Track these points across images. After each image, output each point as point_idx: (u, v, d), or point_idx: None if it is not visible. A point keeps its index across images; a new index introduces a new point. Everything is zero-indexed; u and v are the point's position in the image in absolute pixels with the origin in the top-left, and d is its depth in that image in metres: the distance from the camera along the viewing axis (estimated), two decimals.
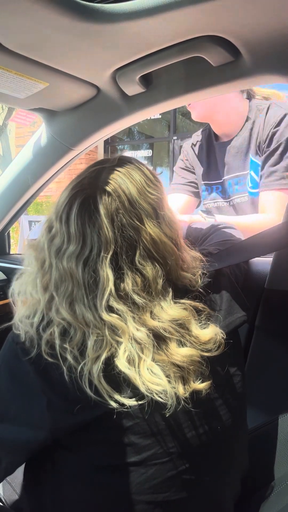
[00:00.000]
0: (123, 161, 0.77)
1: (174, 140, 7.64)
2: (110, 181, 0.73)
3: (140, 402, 0.66)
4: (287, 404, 1.16)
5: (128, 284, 0.70)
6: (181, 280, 0.76)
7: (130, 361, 0.66)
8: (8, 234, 1.94)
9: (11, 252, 2.03)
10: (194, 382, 0.70)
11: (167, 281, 0.73)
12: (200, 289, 0.78)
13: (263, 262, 1.29)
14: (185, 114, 7.96)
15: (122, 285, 0.70)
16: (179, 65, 1.00)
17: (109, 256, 0.70)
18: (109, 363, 0.67)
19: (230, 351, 0.76)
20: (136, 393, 0.66)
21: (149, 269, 0.71)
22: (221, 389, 0.76)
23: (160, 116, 7.88)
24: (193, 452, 0.72)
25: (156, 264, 0.72)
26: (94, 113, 1.21)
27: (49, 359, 0.67)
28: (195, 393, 0.70)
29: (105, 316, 0.68)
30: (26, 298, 0.77)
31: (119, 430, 0.68)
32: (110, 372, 0.66)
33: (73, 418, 0.67)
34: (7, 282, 1.77)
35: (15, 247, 6.01)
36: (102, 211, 0.71)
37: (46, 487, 0.76)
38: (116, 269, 0.70)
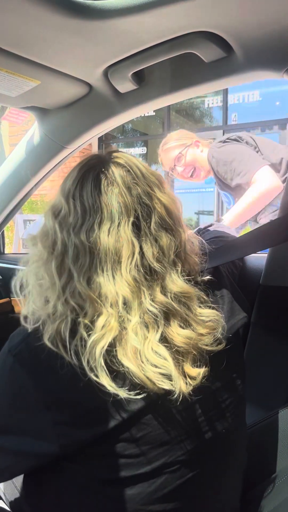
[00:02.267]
0: (118, 151, 0.79)
1: None
2: (119, 156, 0.75)
3: (140, 396, 0.64)
4: (284, 399, 1.17)
5: (148, 251, 0.70)
6: (188, 260, 0.77)
7: (137, 341, 0.65)
8: (3, 233, 1.93)
9: (6, 252, 2.03)
10: (192, 368, 0.68)
11: (177, 255, 0.74)
12: (203, 285, 0.78)
13: (258, 258, 1.29)
14: (179, 111, 7.95)
15: (143, 252, 0.70)
16: (171, 62, 0.99)
17: (130, 222, 0.70)
18: (109, 356, 0.65)
19: (232, 353, 0.76)
20: (137, 386, 0.65)
21: (164, 238, 0.72)
22: (226, 391, 0.76)
23: (154, 113, 7.85)
24: (200, 458, 0.72)
25: (169, 235, 0.73)
26: (87, 111, 1.21)
27: (54, 348, 0.65)
28: (202, 395, 0.69)
29: (123, 288, 0.67)
30: (35, 289, 0.74)
31: (129, 442, 0.67)
32: (112, 362, 0.65)
33: (82, 433, 0.66)
34: (2, 282, 1.76)
35: (10, 247, 5.99)
36: (119, 180, 0.72)
37: (49, 496, 0.75)
38: (138, 236, 0.71)
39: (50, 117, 1.29)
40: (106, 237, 0.69)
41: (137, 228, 0.71)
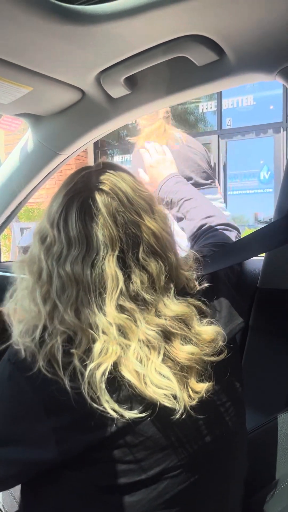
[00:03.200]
0: (109, 165, 0.77)
1: None
2: (104, 181, 0.73)
3: (142, 415, 0.63)
4: (283, 403, 1.16)
5: (136, 282, 0.69)
6: (181, 279, 0.76)
7: (139, 365, 0.65)
8: None
9: (2, 260, 2.02)
10: (197, 383, 0.68)
11: (169, 278, 0.73)
12: (200, 294, 0.77)
13: (255, 261, 1.29)
14: (174, 116, 7.94)
15: (130, 283, 0.69)
16: (163, 66, 0.99)
17: (115, 255, 0.69)
18: (112, 373, 0.65)
19: (230, 357, 0.75)
20: (141, 402, 0.64)
21: (153, 265, 0.71)
22: (224, 396, 0.76)
23: None
24: (201, 462, 0.71)
25: (159, 260, 0.72)
26: (80, 117, 1.20)
27: (49, 375, 0.65)
28: (201, 402, 0.68)
29: (114, 318, 0.67)
30: (23, 314, 0.74)
31: (130, 447, 0.66)
32: (114, 383, 0.64)
33: (81, 439, 0.66)
34: None
35: (7, 255, 5.98)
36: (104, 210, 0.70)
37: (48, 504, 0.74)
38: (124, 268, 0.70)
39: (43, 124, 1.29)
40: (89, 270, 0.68)
41: (122, 260, 0.70)
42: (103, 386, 0.63)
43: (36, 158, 1.40)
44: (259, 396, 1.19)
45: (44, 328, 0.70)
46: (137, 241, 0.71)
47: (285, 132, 6.55)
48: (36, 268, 0.73)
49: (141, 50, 0.92)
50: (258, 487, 0.88)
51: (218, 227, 1.18)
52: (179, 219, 1.30)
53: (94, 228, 0.69)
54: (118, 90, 1.07)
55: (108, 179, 0.73)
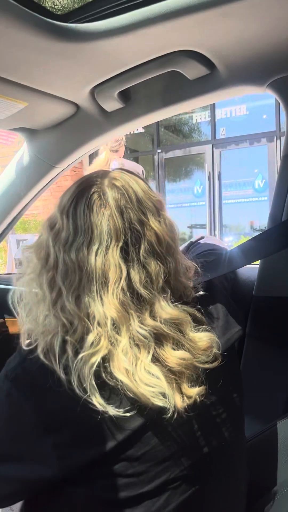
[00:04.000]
0: (125, 170, 0.79)
1: (158, 153, 7.70)
2: (118, 179, 0.75)
3: (130, 414, 0.63)
4: (281, 410, 1.16)
5: (135, 277, 0.70)
6: (178, 287, 0.76)
7: (128, 362, 0.65)
8: None
9: None
10: (189, 388, 0.68)
11: (167, 282, 0.73)
12: (195, 302, 0.77)
13: (250, 269, 1.30)
14: (168, 127, 8.04)
15: (131, 278, 0.70)
16: (156, 80, 1.01)
17: (119, 246, 0.70)
18: (101, 370, 0.65)
19: (228, 367, 0.75)
20: (132, 402, 0.64)
21: (152, 265, 0.72)
22: (221, 406, 0.76)
23: (143, 130, 7.95)
24: (201, 472, 0.71)
25: (159, 261, 0.72)
26: (75, 130, 1.22)
27: (46, 361, 0.66)
28: (197, 413, 0.68)
29: (112, 309, 0.67)
30: (28, 298, 0.75)
31: (131, 461, 0.66)
32: (103, 379, 0.65)
33: (82, 455, 0.65)
34: None
35: (4, 267, 5.97)
36: (112, 203, 0.71)
37: None
38: (126, 260, 0.70)
39: (38, 138, 1.30)
40: (93, 258, 0.69)
41: (125, 253, 0.71)
42: (92, 379, 0.63)
43: (32, 171, 1.41)
44: (257, 403, 1.19)
45: (49, 315, 0.71)
46: (139, 238, 0.72)
47: (278, 141, 6.61)
48: (44, 253, 0.74)
49: (134, 65, 0.94)
50: (258, 494, 0.87)
51: (201, 240, 1.19)
52: None
53: (100, 219, 0.71)
54: (112, 104, 1.09)
55: (122, 178, 0.75)
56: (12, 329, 1.70)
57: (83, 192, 0.74)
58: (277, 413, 1.00)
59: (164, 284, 0.72)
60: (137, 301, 0.70)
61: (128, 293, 0.69)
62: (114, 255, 0.69)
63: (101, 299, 0.68)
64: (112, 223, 0.70)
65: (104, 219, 0.71)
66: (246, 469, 0.84)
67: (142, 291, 0.69)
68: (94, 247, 0.70)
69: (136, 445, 0.66)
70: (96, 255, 0.70)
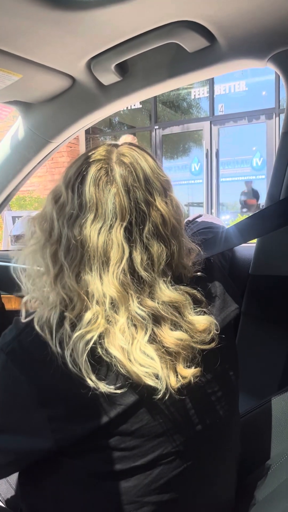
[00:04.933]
0: (134, 145, 0.77)
1: (155, 129, 7.61)
2: (126, 155, 0.73)
3: (121, 391, 0.64)
4: (276, 386, 1.18)
5: (137, 258, 0.69)
6: (179, 268, 0.76)
7: (124, 341, 0.65)
8: None
9: None
10: (184, 368, 0.68)
11: (168, 265, 0.73)
12: (194, 281, 0.77)
13: (247, 248, 1.30)
14: (166, 103, 7.92)
15: (132, 258, 0.69)
16: (154, 52, 0.99)
17: (124, 225, 0.69)
18: (97, 346, 0.65)
19: (224, 345, 0.76)
20: (126, 379, 0.65)
21: (155, 247, 0.71)
22: (216, 384, 0.76)
23: (140, 106, 7.83)
24: (194, 448, 0.72)
25: (162, 244, 0.71)
26: (71, 104, 1.20)
27: (41, 332, 0.66)
28: (191, 390, 0.69)
29: (111, 288, 0.67)
30: (31, 270, 0.75)
31: (125, 435, 0.67)
32: (98, 355, 0.65)
33: (77, 428, 0.66)
34: None
35: (0, 244, 5.95)
36: (119, 180, 0.70)
37: (45, 491, 0.75)
38: (129, 240, 0.69)
39: (34, 112, 1.28)
40: (96, 236, 0.68)
41: (129, 233, 0.69)
42: (85, 356, 0.63)
43: (27, 146, 1.39)
44: (252, 380, 1.21)
45: (50, 288, 0.71)
46: (144, 219, 0.71)
47: (277, 118, 6.54)
48: (47, 226, 0.73)
49: (132, 36, 0.91)
50: (251, 469, 0.89)
51: (198, 218, 1.18)
52: None
53: (105, 196, 0.69)
54: (109, 77, 1.07)
55: (131, 154, 0.73)
56: (7, 306, 1.71)
57: (90, 167, 0.72)
58: (271, 390, 1.01)
59: (166, 266, 0.72)
60: (137, 282, 0.69)
61: (128, 274, 0.68)
62: (118, 235, 0.68)
63: (101, 278, 0.68)
64: (118, 201, 0.69)
65: (110, 197, 0.69)
66: (239, 445, 0.85)
67: (143, 273, 0.69)
68: (98, 225, 0.69)
69: (130, 420, 0.66)
70: (99, 233, 0.68)
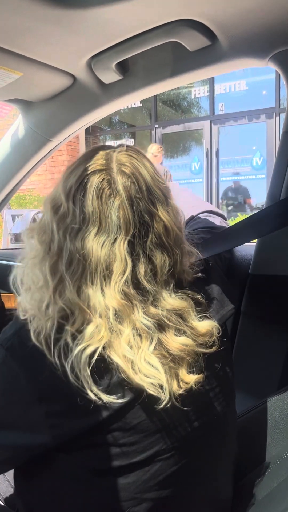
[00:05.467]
0: (131, 149, 0.76)
1: (156, 128, 7.60)
2: (127, 164, 0.72)
3: (121, 401, 0.64)
4: (274, 387, 1.18)
5: (141, 270, 0.69)
6: (180, 274, 0.75)
7: (129, 351, 0.65)
8: None
9: None
10: (187, 374, 0.69)
11: (171, 273, 0.72)
12: (193, 284, 0.77)
13: (247, 248, 1.29)
14: (166, 102, 7.92)
15: (135, 270, 0.69)
16: (155, 51, 0.98)
17: (128, 239, 0.68)
18: (101, 356, 0.65)
19: (221, 343, 0.76)
20: (128, 389, 0.65)
21: (158, 257, 0.70)
22: (213, 382, 0.77)
23: (140, 105, 7.82)
24: (192, 445, 0.73)
25: (165, 253, 0.71)
26: (71, 103, 1.19)
27: (40, 346, 0.65)
28: (190, 391, 0.69)
29: (114, 301, 0.66)
30: (30, 284, 0.73)
31: (123, 431, 0.67)
32: (102, 366, 0.65)
33: (75, 425, 0.66)
34: None
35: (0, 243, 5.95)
36: (123, 192, 0.69)
37: (42, 488, 0.75)
38: (132, 254, 0.69)
39: (34, 110, 1.27)
40: (99, 250, 0.67)
41: (132, 245, 0.69)
42: (87, 369, 0.63)
43: (27, 145, 1.39)
44: (251, 380, 1.21)
45: (50, 300, 0.69)
46: (148, 230, 0.70)
47: (277, 118, 6.54)
48: (47, 237, 0.72)
49: (133, 35, 0.91)
50: (249, 469, 0.89)
51: (201, 215, 1.18)
52: None
53: (109, 209, 0.68)
54: (109, 76, 1.06)
55: (131, 163, 0.72)
56: (7, 304, 1.71)
57: (92, 177, 0.70)
58: (270, 390, 1.01)
59: (169, 275, 0.71)
60: (141, 293, 0.69)
61: (131, 285, 0.68)
62: (121, 249, 0.67)
63: (103, 290, 0.67)
64: (122, 214, 0.68)
65: (114, 210, 0.68)
66: (236, 442, 0.86)
67: (146, 285, 0.69)
68: (101, 238, 0.68)
69: (129, 416, 0.67)
70: (102, 246, 0.68)
